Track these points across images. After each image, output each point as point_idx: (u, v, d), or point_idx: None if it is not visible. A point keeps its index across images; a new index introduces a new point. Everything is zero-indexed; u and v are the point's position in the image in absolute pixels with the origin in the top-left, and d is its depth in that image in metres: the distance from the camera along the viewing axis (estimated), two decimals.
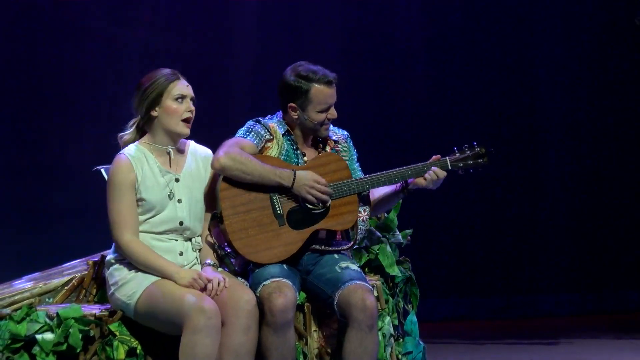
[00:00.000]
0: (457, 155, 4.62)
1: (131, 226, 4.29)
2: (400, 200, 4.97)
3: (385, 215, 4.98)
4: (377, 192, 4.66)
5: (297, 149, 4.54)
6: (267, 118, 4.58)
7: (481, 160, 4.62)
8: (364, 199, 4.58)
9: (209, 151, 4.52)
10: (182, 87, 4.38)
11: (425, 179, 4.54)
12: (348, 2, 8.21)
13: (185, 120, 4.37)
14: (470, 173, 4.66)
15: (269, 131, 4.52)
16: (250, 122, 4.54)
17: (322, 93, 4.47)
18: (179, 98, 4.36)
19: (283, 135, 4.53)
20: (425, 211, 8.02)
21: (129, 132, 4.47)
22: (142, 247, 4.28)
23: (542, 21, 8.39)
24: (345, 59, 8.20)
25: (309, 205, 4.43)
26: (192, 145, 4.52)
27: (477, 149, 4.63)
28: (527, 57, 8.39)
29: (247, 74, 7.37)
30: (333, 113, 4.51)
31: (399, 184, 4.59)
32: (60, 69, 7.54)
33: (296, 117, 4.51)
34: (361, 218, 4.57)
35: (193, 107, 4.40)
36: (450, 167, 4.58)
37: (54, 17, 7.52)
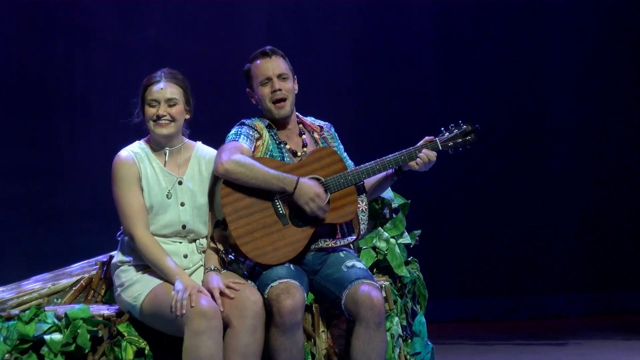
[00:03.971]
0: (446, 135, 4.63)
1: (143, 219, 4.31)
2: (409, 201, 4.98)
3: (394, 215, 4.98)
4: (369, 179, 4.66)
5: (280, 142, 4.56)
6: (250, 119, 4.61)
7: (469, 137, 4.64)
8: (360, 189, 4.59)
9: (215, 152, 4.51)
10: (154, 90, 4.39)
11: (417, 163, 4.54)
12: (358, 3, 8.21)
13: (155, 122, 4.39)
14: (460, 152, 4.66)
15: (256, 130, 4.55)
16: (236, 126, 4.58)
17: (258, 66, 4.55)
18: (151, 102, 4.38)
19: (266, 127, 4.57)
20: (433, 212, 8.02)
21: None
22: (153, 244, 4.29)
23: (551, 22, 8.37)
24: (355, 59, 8.20)
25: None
26: (198, 147, 4.53)
27: (464, 127, 4.65)
28: (535, 58, 8.37)
29: None
30: (274, 85, 4.53)
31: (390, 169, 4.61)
32: (71, 69, 7.55)
33: (255, 102, 4.60)
34: (360, 208, 4.57)
35: (166, 110, 4.38)
36: (440, 148, 4.59)
37: (63, 17, 7.54)
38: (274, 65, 4.55)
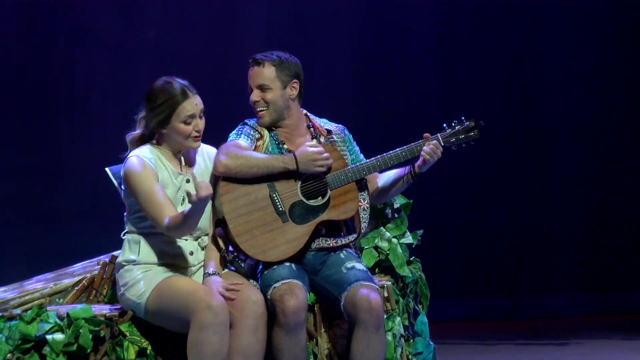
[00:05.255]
0: (448, 131, 4.62)
1: (170, 208, 4.23)
2: (411, 201, 4.98)
3: (396, 215, 4.98)
4: (383, 179, 4.66)
5: (279, 143, 4.56)
6: (252, 119, 4.61)
7: (472, 133, 4.64)
8: (363, 187, 4.58)
9: (215, 150, 4.52)
10: (191, 106, 4.31)
11: (424, 159, 4.52)
12: (358, 3, 8.21)
13: (195, 137, 4.36)
14: (463, 148, 4.65)
15: (257, 130, 4.55)
16: (238, 126, 4.59)
17: (248, 74, 4.55)
18: (187, 119, 4.32)
19: (268, 130, 4.57)
20: (435, 212, 8.02)
21: (137, 133, 4.46)
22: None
23: (551, 22, 8.38)
24: (355, 59, 8.20)
25: (310, 202, 4.45)
26: (200, 146, 4.52)
27: (467, 123, 4.65)
28: (535, 57, 8.37)
29: None
30: (252, 97, 4.54)
31: (407, 169, 4.59)
32: (70, 69, 7.55)
33: None
34: (362, 207, 4.56)
35: (202, 125, 4.35)
36: (442, 144, 4.58)
37: (63, 17, 7.53)
38: (255, 76, 4.54)
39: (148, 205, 4.23)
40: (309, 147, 4.44)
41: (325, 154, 4.43)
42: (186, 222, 4.15)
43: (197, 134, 4.34)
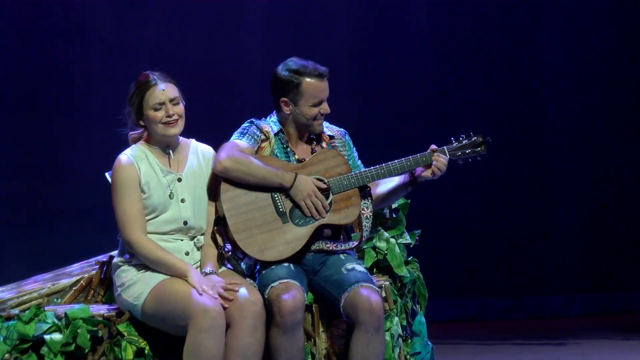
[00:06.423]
0: (455, 144, 4.62)
1: (139, 224, 4.30)
2: (409, 201, 4.98)
3: (394, 215, 4.98)
4: (383, 186, 4.65)
5: (286, 147, 4.55)
6: (260, 120, 4.60)
7: (479, 149, 4.64)
8: (366, 195, 4.58)
9: (210, 149, 4.53)
10: (158, 93, 4.36)
11: (433, 172, 4.53)
12: (356, 3, 8.21)
13: (167, 123, 4.37)
14: (469, 162, 4.66)
15: (263, 132, 4.53)
16: (244, 124, 4.57)
17: (313, 87, 4.50)
18: (156, 106, 4.36)
19: (275, 134, 4.55)
20: (433, 212, 8.02)
21: (139, 132, 4.50)
22: (151, 245, 4.28)
23: (550, 22, 8.37)
24: (353, 60, 8.20)
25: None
26: (194, 144, 4.53)
27: (474, 138, 4.65)
28: (534, 58, 8.37)
29: (255, 74, 7.38)
30: (325, 108, 4.53)
31: (406, 177, 4.59)
32: (70, 70, 7.55)
33: (289, 112, 4.52)
34: (365, 215, 4.55)
35: (173, 110, 4.37)
36: (449, 156, 4.59)
37: (62, 19, 7.53)
38: (326, 89, 4.55)
39: (117, 218, 4.32)
40: (313, 184, 4.43)
41: (319, 202, 4.40)
42: (153, 263, 4.28)
43: (168, 119, 4.36)
